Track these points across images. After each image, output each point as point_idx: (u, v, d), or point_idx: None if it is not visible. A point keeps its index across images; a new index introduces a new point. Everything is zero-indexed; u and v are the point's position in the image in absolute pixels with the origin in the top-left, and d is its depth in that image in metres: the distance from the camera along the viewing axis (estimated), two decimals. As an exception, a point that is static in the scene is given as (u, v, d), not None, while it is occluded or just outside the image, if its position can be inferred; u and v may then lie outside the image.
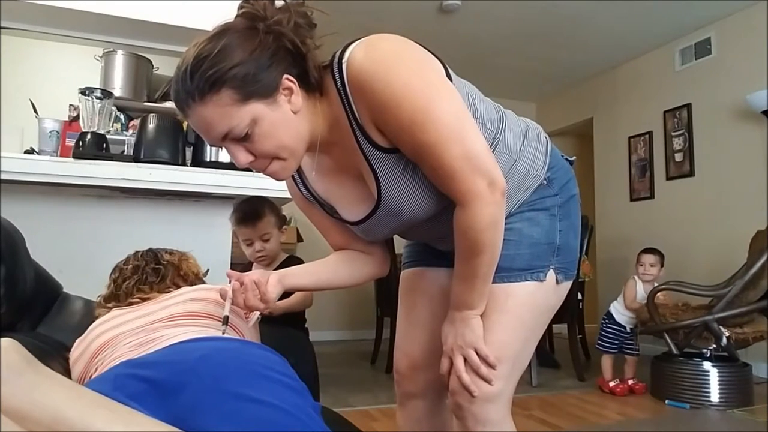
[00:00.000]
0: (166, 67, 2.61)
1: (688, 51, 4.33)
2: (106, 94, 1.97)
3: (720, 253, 3.84)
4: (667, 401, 2.92)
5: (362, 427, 1.35)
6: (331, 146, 0.98)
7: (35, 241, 1.36)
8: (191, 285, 1.27)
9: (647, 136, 4.67)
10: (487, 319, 1.01)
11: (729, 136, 3.99)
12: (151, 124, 1.94)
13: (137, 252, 1.32)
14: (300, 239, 4.40)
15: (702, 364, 2.87)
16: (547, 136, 1.12)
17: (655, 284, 3.17)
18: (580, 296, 3.93)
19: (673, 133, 4.44)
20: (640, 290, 3.25)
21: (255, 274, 1.05)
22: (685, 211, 4.27)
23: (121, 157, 1.94)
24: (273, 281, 1.05)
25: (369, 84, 0.86)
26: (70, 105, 2.28)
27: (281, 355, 0.90)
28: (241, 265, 2.25)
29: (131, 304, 1.19)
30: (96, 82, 2.29)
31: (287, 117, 0.89)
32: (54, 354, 1.12)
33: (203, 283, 1.34)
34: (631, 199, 4.82)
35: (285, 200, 2.09)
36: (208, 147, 2.03)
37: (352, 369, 3.89)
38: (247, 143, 0.88)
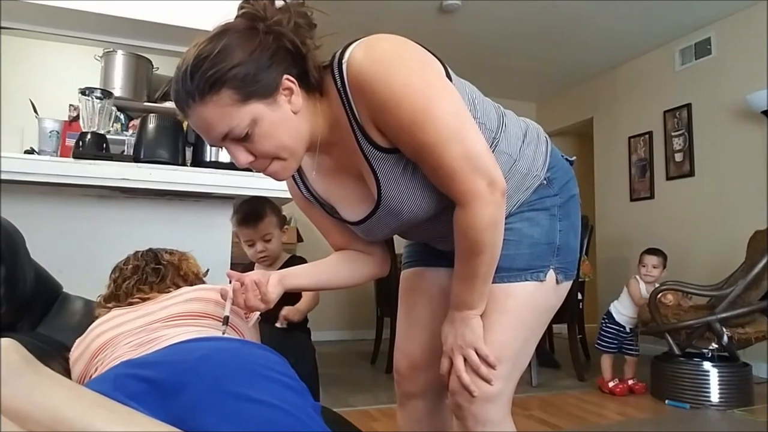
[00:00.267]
0: (166, 67, 2.61)
1: (688, 51, 4.33)
2: (106, 94, 1.97)
3: (720, 253, 3.84)
4: (667, 401, 2.92)
5: (362, 427, 1.35)
6: (331, 146, 0.98)
7: (35, 241, 1.36)
8: (191, 285, 1.27)
9: (647, 136, 4.67)
10: (487, 319, 1.01)
11: (729, 136, 3.99)
12: (151, 124, 1.94)
13: (137, 252, 1.32)
14: (300, 239, 4.40)
15: (702, 364, 2.87)
16: (547, 136, 1.12)
17: (656, 285, 3.17)
18: (580, 296, 3.93)
19: (673, 133, 4.44)
20: (642, 290, 3.25)
21: (255, 274, 1.05)
22: (685, 211, 4.27)
23: (121, 157, 1.94)
24: (273, 281, 1.05)
25: (369, 84, 0.86)
26: (70, 105, 2.27)
27: (281, 355, 0.90)
28: (242, 265, 2.25)
29: (131, 304, 1.19)
30: (96, 82, 2.29)
31: (287, 117, 0.89)
32: (54, 354, 1.12)
33: (203, 283, 1.34)
34: (631, 199, 4.82)
35: (285, 200, 2.09)
36: (208, 147, 2.03)
37: (352, 369, 3.89)
38: (247, 143, 0.88)
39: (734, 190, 3.92)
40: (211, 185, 1.87)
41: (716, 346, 2.86)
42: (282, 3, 0.90)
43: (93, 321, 1.16)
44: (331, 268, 1.15)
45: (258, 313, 1.12)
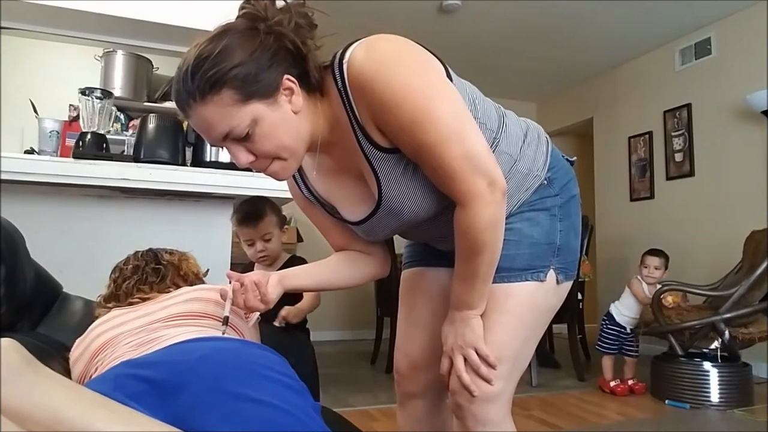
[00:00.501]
0: (166, 67, 2.61)
1: (688, 51, 4.34)
2: (106, 94, 1.97)
3: (720, 253, 3.84)
4: (667, 401, 2.92)
5: (362, 427, 1.35)
6: (331, 146, 0.98)
7: (35, 241, 1.36)
8: (191, 285, 1.27)
9: (647, 136, 4.67)
10: (487, 319, 1.01)
11: (729, 136, 3.99)
12: (151, 124, 1.94)
13: (137, 252, 1.32)
14: (300, 239, 4.40)
15: (702, 364, 2.87)
16: (547, 137, 1.12)
17: (658, 286, 3.17)
18: (580, 296, 3.92)
19: (673, 133, 4.44)
20: (645, 290, 3.24)
21: (255, 274, 1.05)
22: (685, 211, 4.27)
23: (121, 157, 1.94)
24: (273, 282, 1.05)
25: (369, 84, 0.87)
26: (70, 105, 2.27)
27: (281, 355, 0.90)
28: (242, 265, 2.25)
29: (131, 304, 1.19)
30: (96, 82, 2.29)
31: (288, 117, 0.89)
32: (54, 354, 1.12)
33: (203, 283, 1.34)
34: (631, 199, 4.82)
35: (285, 200, 2.09)
36: (208, 147, 2.03)
37: (352, 369, 3.89)
38: (247, 143, 0.88)
39: (734, 190, 3.93)
40: (211, 185, 1.87)
41: (717, 345, 2.86)
42: (283, 3, 0.90)
43: (93, 321, 1.15)
44: (331, 269, 1.15)
45: (258, 313, 1.12)
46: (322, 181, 1.06)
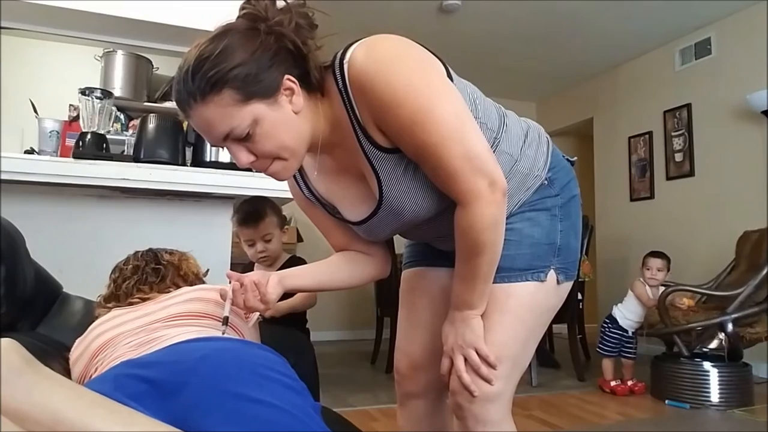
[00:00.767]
0: (166, 67, 2.61)
1: (688, 51, 4.34)
2: (106, 94, 1.97)
3: (720, 253, 3.83)
4: (667, 401, 2.92)
5: (362, 427, 1.35)
6: (332, 146, 0.98)
7: (35, 241, 1.35)
8: (191, 285, 1.27)
9: (647, 136, 4.67)
10: (487, 319, 1.01)
11: (729, 136, 3.99)
12: (151, 124, 1.94)
13: (137, 252, 1.32)
14: (300, 239, 4.40)
15: (702, 364, 2.87)
16: (548, 137, 1.12)
17: (661, 288, 3.16)
18: (580, 296, 3.92)
19: (673, 133, 4.44)
20: (648, 292, 3.22)
21: (255, 274, 1.05)
22: (685, 211, 4.27)
23: (121, 157, 1.94)
24: (273, 282, 1.04)
25: (370, 84, 0.87)
26: (70, 105, 2.27)
27: (281, 355, 0.90)
28: (242, 265, 2.25)
29: (131, 304, 1.19)
30: (96, 82, 2.29)
31: (288, 117, 0.89)
32: (54, 354, 1.12)
33: (203, 283, 1.34)
34: (631, 199, 4.82)
35: (285, 200, 2.09)
36: (208, 147, 2.03)
37: (352, 369, 3.89)
38: (248, 143, 0.88)
39: (734, 190, 3.93)
40: (211, 185, 1.87)
41: (716, 345, 2.85)
42: (283, 4, 0.90)
43: (93, 321, 1.15)
44: (331, 269, 1.15)
45: (258, 313, 1.12)
46: (323, 181, 1.06)
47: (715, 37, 4.11)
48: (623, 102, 4.97)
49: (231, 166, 1.92)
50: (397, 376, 1.26)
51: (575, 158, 1.17)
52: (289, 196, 1.20)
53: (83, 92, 1.92)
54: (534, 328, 1.06)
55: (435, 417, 1.25)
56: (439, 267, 1.20)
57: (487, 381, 0.99)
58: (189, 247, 1.41)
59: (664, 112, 4.50)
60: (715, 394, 2.80)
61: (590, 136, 5.42)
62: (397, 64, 0.87)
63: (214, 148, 2.02)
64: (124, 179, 1.75)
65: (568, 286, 1.08)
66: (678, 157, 4.39)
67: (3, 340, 0.66)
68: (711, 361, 2.87)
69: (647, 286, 3.24)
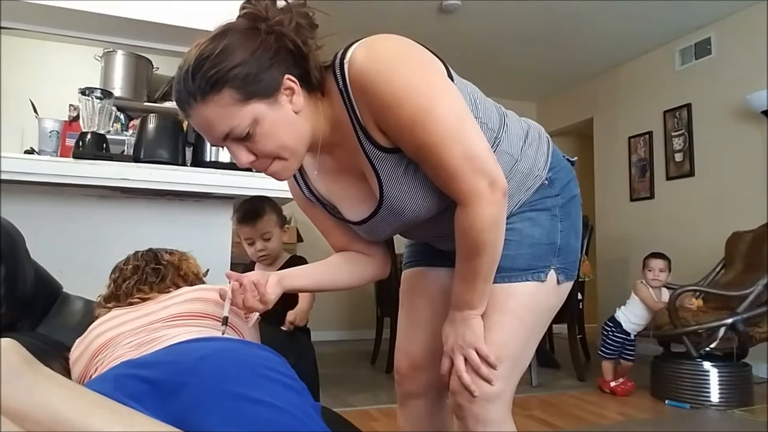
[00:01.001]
0: (166, 67, 2.61)
1: (688, 51, 4.34)
2: (106, 94, 1.96)
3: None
4: (667, 401, 2.92)
5: (362, 427, 1.35)
6: (333, 146, 0.98)
7: (35, 241, 1.35)
8: (191, 285, 1.27)
9: (647, 136, 4.67)
10: (487, 319, 1.01)
11: (729, 136, 3.99)
12: (151, 124, 1.94)
13: (137, 252, 1.32)
14: (300, 239, 4.40)
15: (702, 364, 2.87)
16: (548, 137, 1.12)
17: (663, 289, 3.15)
18: (580, 296, 3.92)
19: (673, 133, 4.44)
20: (652, 294, 3.19)
21: (254, 275, 1.05)
22: (685, 211, 4.27)
23: (121, 157, 1.93)
24: (272, 282, 1.04)
25: (370, 84, 0.87)
26: (70, 105, 2.27)
27: (281, 355, 0.90)
28: (242, 265, 2.25)
29: (131, 304, 1.19)
30: (96, 82, 2.29)
31: (288, 117, 0.89)
32: (54, 354, 1.12)
33: (203, 283, 1.34)
34: (631, 199, 4.82)
35: (286, 200, 2.09)
36: (208, 147, 2.03)
37: (352, 369, 3.89)
38: (248, 143, 0.88)
39: (734, 190, 3.92)
40: (211, 185, 1.87)
41: (716, 345, 2.84)
42: (284, 3, 0.90)
43: (93, 321, 1.15)
44: (331, 270, 1.15)
45: (258, 313, 1.12)
46: (324, 180, 1.06)
47: (715, 37, 4.11)
48: (623, 102, 4.97)
49: (231, 166, 1.92)
50: (397, 376, 1.26)
51: (575, 158, 1.17)
52: (290, 195, 1.19)
53: (83, 92, 1.92)
54: (534, 328, 1.06)
55: (435, 417, 1.25)
56: (440, 267, 1.20)
57: (487, 381, 0.99)
58: (189, 247, 1.41)
59: (664, 112, 4.51)
60: (715, 394, 2.80)
61: (590, 136, 5.42)
62: (397, 64, 0.87)
63: (214, 148, 2.02)
64: (124, 179, 1.75)
65: (568, 286, 1.08)
66: (678, 157, 4.39)
67: (3, 340, 0.66)
68: (711, 361, 2.86)
69: (650, 288, 3.22)
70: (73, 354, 1.10)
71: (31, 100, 2.22)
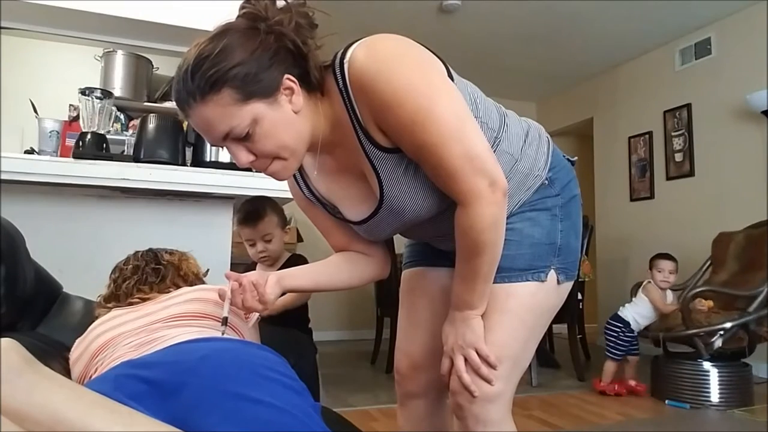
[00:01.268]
0: (166, 67, 2.61)
1: (688, 51, 4.34)
2: (106, 94, 1.96)
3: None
4: (667, 401, 2.92)
5: (362, 427, 1.35)
6: (333, 146, 0.98)
7: (35, 241, 1.35)
8: (191, 285, 1.27)
9: (647, 136, 4.67)
10: (487, 319, 1.01)
11: (729, 136, 3.99)
12: (151, 124, 1.94)
13: (137, 252, 1.32)
14: (300, 239, 4.40)
15: (702, 364, 2.87)
16: (548, 137, 1.12)
17: (668, 291, 3.14)
18: (580, 296, 3.92)
19: (673, 133, 4.44)
20: (662, 296, 3.17)
21: (254, 275, 1.05)
22: (685, 211, 4.27)
23: (121, 157, 1.93)
24: (272, 282, 1.04)
25: (371, 84, 0.86)
26: (70, 105, 2.27)
27: (281, 355, 0.90)
28: (243, 265, 2.25)
29: (131, 304, 1.18)
30: (96, 82, 2.29)
31: (288, 117, 0.89)
32: (54, 354, 1.12)
33: (203, 283, 1.33)
34: (631, 199, 4.82)
35: (286, 200, 2.09)
36: (208, 147, 2.03)
37: (352, 369, 3.89)
38: (248, 143, 0.88)
39: (734, 190, 3.92)
40: (211, 185, 1.87)
41: (719, 345, 2.83)
42: (283, 3, 0.90)
43: (93, 321, 1.15)
44: (331, 270, 1.15)
45: (257, 313, 1.12)
46: (324, 180, 1.06)
47: (715, 37, 4.11)
48: (623, 102, 4.97)
49: (231, 166, 1.92)
50: (398, 376, 1.26)
51: (576, 158, 1.17)
52: (290, 195, 1.19)
53: (83, 92, 1.92)
54: (534, 328, 1.06)
55: (435, 417, 1.25)
56: (440, 267, 1.20)
57: (488, 381, 0.99)
58: (189, 247, 1.41)
59: (664, 112, 4.50)
60: (715, 394, 2.80)
61: (590, 136, 5.42)
62: (397, 64, 0.87)
63: (214, 148, 2.02)
64: (124, 179, 1.75)
65: (568, 286, 1.08)
66: (678, 157, 4.39)
67: (3, 340, 0.66)
68: (711, 361, 2.86)
69: (659, 290, 3.18)
70: (73, 354, 1.10)
71: (31, 100, 2.22)
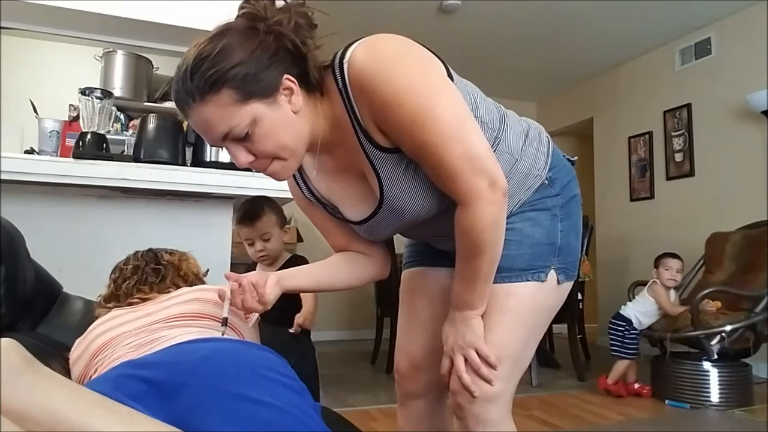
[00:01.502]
0: (166, 67, 2.61)
1: (688, 51, 4.34)
2: (106, 94, 1.96)
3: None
4: (667, 401, 2.92)
5: (362, 427, 1.35)
6: (333, 146, 0.98)
7: (35, 241, 1.35)
8: (191, 285, 1.27)
9: (647, 136, 4.67)
10: (487, 320, 1.01)
11: (729, 136, 3.99)
12: (151, 124, 1.94)
13: (137, 252, 1.32)
14: (300, 239, 4.40)
15: (702, 364, 2.86)
16: (548, 136, 1.12)
17: (671, 290, 3.13)
18: (580, 296, 3.92)
19: (673, 133, 4.44)
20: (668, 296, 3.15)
21: (254, 275, 1.05)
22: (685, 211, 4.27)
23: (121, 157, 1.93)
24: (271, 282, 1.04)
25: (370, 84, 0.86)
26: (70, 105, 2.27)
27: (281, 356, 0.90)
28: (244, 265, 2.25)
29: (131, 304, 1.18)
30: (96, 82, 2.28)
31: (287, 117, 0.89)
32: (54, 354, 1.12)
33: (203, 283, 1.33)
34: (631, 199, 4.82)
35: (286, 200, 2.09)
36: (208, 147, 2.03)
37: (352, 369, 3.89)
38: (247, 143, 0.88)
39: (734, 190, 3.92)
40: (211, 185, 1.87)
41: (727, 345, 2.82)
42: (282, 3, 0.90)
43: (93, 321, 1.15)
44: (330, 270, 1.15)
45: (257, 313, 1.12)
46: (324, 180, 1.06)
47: (715, 37, 4.11)
48: (623, 102, 4.97)
49: (231, 166, 1.92)
50: (398, 376, 1.26)
51: (576, 158, 1.17)
52: (290, 195, 1.19)
53: (83, 92, 1.92)
54: (534, 328, 1.06)
55: (435, 417, 1.25)
56: (439, 267, 1.20)
57: (488, 381, 0.99)
58: (189, 247, 1.41)
59: (664, 112, 4.50)
60: (715, 394, 2.80)
61: (590, 136, 5.42)
62: (397, 64, 0.87)
63: (214, 148, 2.02)
64: (124, 179, 1.75)
65: (568, 286, 1.08)
66: (678, 157, 4.39)
67: (3, 340, 0.66)
68: (711, 361, 2.86)
69: (665, 289, 3.14)
70: (73, 354, 1.10)
71: (31, 100, 2.22)
